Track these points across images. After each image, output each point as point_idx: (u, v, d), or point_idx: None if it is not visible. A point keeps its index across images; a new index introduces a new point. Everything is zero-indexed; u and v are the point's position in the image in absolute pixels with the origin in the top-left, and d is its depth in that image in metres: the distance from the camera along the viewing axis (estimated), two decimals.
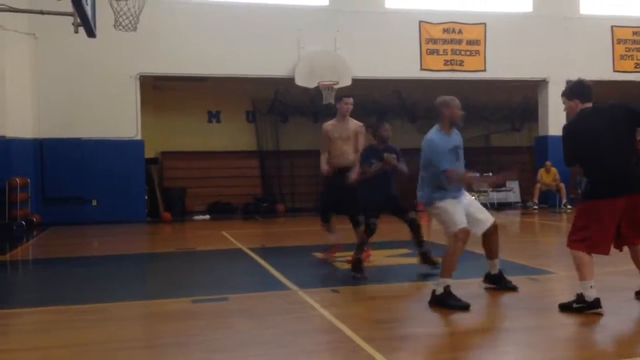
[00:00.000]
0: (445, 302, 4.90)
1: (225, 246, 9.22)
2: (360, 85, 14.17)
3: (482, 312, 5.10)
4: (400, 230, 7.18)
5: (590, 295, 4.52)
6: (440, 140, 5.16)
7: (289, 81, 13.80)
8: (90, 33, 7.99)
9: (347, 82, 13.60)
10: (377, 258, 7.44)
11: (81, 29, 7.62)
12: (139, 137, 13.23)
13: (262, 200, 15.34)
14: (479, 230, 5.36)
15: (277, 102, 15.67)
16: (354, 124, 7.03)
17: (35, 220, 11.88)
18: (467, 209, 5.27)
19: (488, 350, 4.00)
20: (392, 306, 5.44)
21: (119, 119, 12.99)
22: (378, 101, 15.89)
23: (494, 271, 5.59)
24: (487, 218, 5.41)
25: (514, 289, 5.52)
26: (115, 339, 4.37)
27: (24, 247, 9.70)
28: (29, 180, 11.99)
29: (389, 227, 7.44)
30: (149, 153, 14.15)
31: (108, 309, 5.24)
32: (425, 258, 6.57)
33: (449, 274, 5.01)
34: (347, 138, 6.91)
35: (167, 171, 15.49)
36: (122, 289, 6.18)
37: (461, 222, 5.07)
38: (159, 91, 15.03)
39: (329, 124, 7.11)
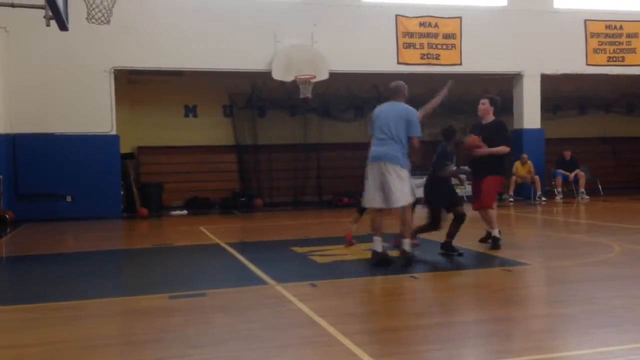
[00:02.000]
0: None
1: (203, 241, 9.17)
2: (337, 79, 14.21)
3: (456, 304, 5.16)
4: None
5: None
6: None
7: (266, 75, 13.75)
8: (63, 26, 7.85)
9: (324, 76, 13.60)
10: (355, 251, 7.47)
11: (53, 22, 7.50)
12: (114, 132, 13.06)
13: (240, 195, 15.29)
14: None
15: (255, 96, 15.62)
16: None
17: (8, 217, 11.68)
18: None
19: (463, 342, 4.04)
20: (369, 299, 5.48)
21: (94, 113, 12.82)
22: (356, 95, 15.96)
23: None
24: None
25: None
26: (92, 336, 4.32)
27: None
28: (1, 177, 11.79)
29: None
30: (125, 148, 13.99)
31: (84, 306, 5.18)
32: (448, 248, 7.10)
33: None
34: None
35: (143, 166, 15.35)
36: (98, 285, 6.12)
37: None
38: (134, 85, 14.87)
39: None
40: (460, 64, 14.74)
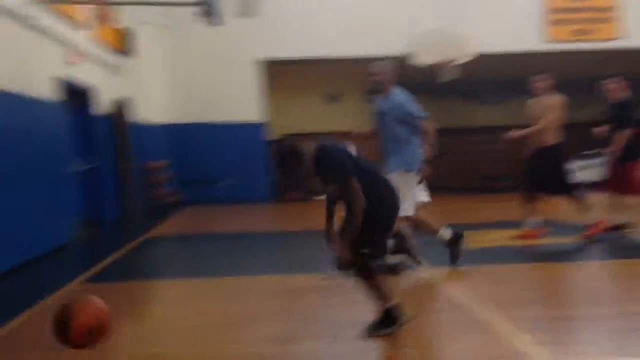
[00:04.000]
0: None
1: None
2: (481, 61, 13.78)
3: (626, 294, 4.90)
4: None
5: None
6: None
7: (405, 59, 13.68)
8: (217, 21, 8.44)
9: (466, 58, 13.25)
10: (507, 238, 7.29)
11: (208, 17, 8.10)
12: (262, 120, 13.77)
13: None
14: None
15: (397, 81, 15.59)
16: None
17: (175, 199, 12.80)
18: None
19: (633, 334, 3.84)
20: (521, 286, 5.35)
21: (245, 103, 13.62)
22: (502, 76, 15.40)
23: None
24: None
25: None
26: (257, 310, 4.67)
27: (166, 224, 10.48)
28: (168, 163, 12.92)
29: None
30: (273, 135, 14.68)
31: (244, 282, 5.58)
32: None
33: None
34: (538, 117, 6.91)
35: None
36: (256, 264, 6.54)
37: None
38: (280, 74, 15.50)
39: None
40: (618, 38, 13.66)
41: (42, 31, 7.64)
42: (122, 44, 11.15)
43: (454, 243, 5.75)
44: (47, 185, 7.47)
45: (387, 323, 3.82)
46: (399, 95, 5.65)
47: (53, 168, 7.72)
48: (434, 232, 5.77)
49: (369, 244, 3.82)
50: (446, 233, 5.75)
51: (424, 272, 5.54)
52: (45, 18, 7.72)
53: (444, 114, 15.83)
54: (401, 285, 5.20)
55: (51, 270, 6.54)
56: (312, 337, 3.90)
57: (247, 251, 7.44)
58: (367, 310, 3.95)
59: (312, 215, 11.61)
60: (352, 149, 4.03)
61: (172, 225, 10.44)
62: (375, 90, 5.72)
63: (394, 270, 5.46)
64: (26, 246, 6.70)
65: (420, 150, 5.68)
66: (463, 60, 13.21)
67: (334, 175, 3.80)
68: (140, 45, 12.16)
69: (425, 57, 13.41)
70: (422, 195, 5.84)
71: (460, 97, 15.63)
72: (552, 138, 6.81)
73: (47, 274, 6.36)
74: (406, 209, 5.41)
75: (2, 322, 4.38)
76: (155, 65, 13.24)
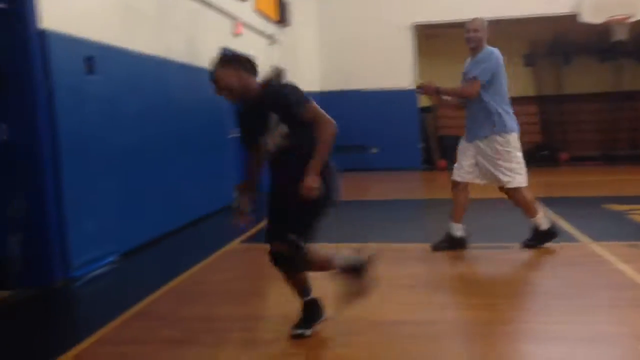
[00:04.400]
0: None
1: (503, 195, 9.01)
2: None
3: None
4: None
5: None
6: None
7: (571, 18, 12.64)
8: None
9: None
10: None
11: None
12: (413, 87, 13.52)
13: (542, 148, 14.56)
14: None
15: (557, 43, 14.52)
16: None
17: None
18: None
19: None
20: None
21: (395, 69, 13.42)
22: None
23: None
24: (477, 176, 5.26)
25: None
26: (400, 276, 4.65)
27: None
28: None
29: None
30: (424, 102, 14.39)
31: (404, 248, 5.57)
32: None
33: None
34: None
35: (441, 119, 15.61)
36: (408, 231, 6.51)
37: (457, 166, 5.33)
38: (432, 39, 15.09)
39: None
40: None
41: (210, 4, 8.06)
42: (279, 13, 11.48)
43: (544, 237, 5.23)
44: (213, 150, 8.01)
45: (309, 319, 3.37)
46: (483, 54, 5.24)
47: (218, 135, 8.24)
48: (532, 213, 5.25)
49: (304, 230, 3.14)
50: (545, 222, 5.25)
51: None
52: None
53: (613, 76, 14.52)
54: (567, 258, 4.89)
55: (216, 229, 7.01)
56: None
57: (404, 217, 7.42)
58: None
59: None
60: None
61: None
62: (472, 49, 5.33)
63: (461, 244, 5.27)
64: (197, 206, 7.29)
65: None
66: (638, 17, 11.97)
67: (288, 101, 3.17)
68: (295, 14, 12.43)
69: (595, 15, 12.33)
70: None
71: (631, 59, 14.19)
72: None
73: (211, 233, 6.82)
74: (523, 178, 5.18)
75: (178, 272, 4.78)
76: (308, 34, 13.49)
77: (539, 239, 5.22)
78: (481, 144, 5.14)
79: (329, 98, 13.66)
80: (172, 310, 3.94)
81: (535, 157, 14.22)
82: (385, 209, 8.31)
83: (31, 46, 4.46)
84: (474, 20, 5.34)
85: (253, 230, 6.77)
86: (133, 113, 5.84)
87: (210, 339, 3.40)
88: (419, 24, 13.37)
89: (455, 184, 5.35)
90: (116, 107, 5.50)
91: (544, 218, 5.23)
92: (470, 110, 5.26)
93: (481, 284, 4.38)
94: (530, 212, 5.22)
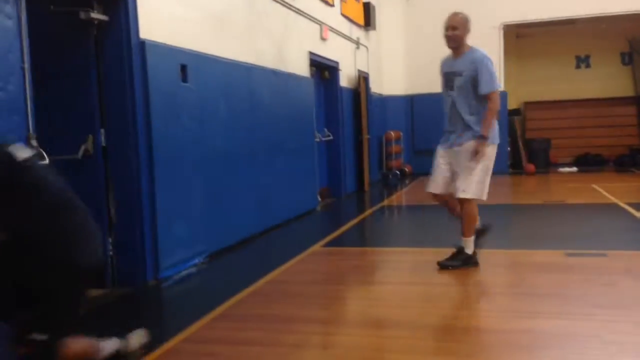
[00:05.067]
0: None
1: (597, 200, 8.61)
2: None
3: None
4: None
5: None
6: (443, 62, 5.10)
7: None
8: None
9: None
10: None
11: None
12: (501, 89, 13.13)
13: (639, 151, 13.77)
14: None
15: None
16: None
17: (407, 170, 12.97)
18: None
19: None
20: None
21: None
22: None
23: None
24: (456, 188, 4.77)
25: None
26: (488, 283, 4.53)
27: (397, 194, 10.71)
28: (401, 134, 13.10)
29: None
30: (512, 104, 13.97)
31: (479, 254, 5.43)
32: None
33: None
34: None
35: (529, 122, 15.10)
36: (489, 237, 6.33)
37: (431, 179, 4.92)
38: (522, 39, 14.63)
39: None
40: None
41: (298, 10, 8.20)
42: (364, 18, 11.51)
43: (466, 260, 4.83)
44: (300, 154, 8.15)
45: None
46: (483, 57, 4.80)
47: (305, 139, 8.37)
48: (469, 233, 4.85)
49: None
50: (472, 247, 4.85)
51: None
52: None
53: None
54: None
55: (300, 233, 7.12)
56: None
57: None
58: None
59: (550, 187, 10.98)
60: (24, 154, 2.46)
61: (403, 195, 10.61)
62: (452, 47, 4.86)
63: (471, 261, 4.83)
64: (283, 209, 7.46)
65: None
66: None
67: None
68: (381, 18, 12.42)
69: None
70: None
71: None
72: None
73: (295, 237, 6.93)
74: (484, 192, 4.77)
75: (263, 273, 4.90)
76: (393, 38, 13.43)
77: (461, 261, 4.82)
78: (458, 150, 4.81)
79: (412, 101, 13.54)
80: (256, 312, 4.04)
81: (633, 161, 13.47)
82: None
83: (131, 55, 4.69)
84: (454, 16, 4.91)
85: (335, 234, 6.82)
86: (223, 119, 6.03)
87: (291, 340, 3.45)
88: (509, 23, 12.99)
89: (436, 196, 4.99)
90: (207, 113, 5.70)
91: (472, 243, 4.84)
92: (456, 115, 4.87)
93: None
94: (469, 231, 4.81)
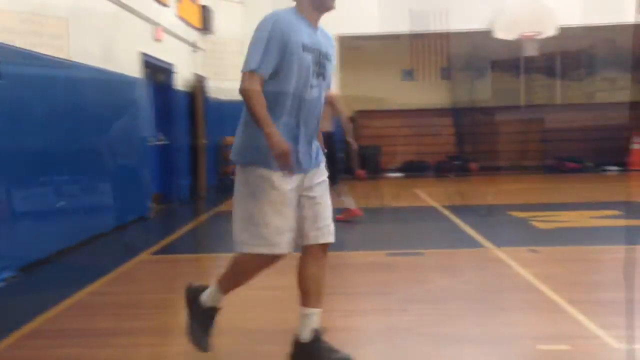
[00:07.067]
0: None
1: (417, 203, 9.28)
2: (566, 35, 13.12)
3: None
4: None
5: None
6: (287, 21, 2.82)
7: (486, 34, 13.21)
8: None
9: (551, 32, 12.64)
10: (580, 219, 6.97)
11: None
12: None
13: (455, 158, 15.10)
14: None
15: (473, 57, 15.15)
16: None
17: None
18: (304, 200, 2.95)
19: None
20: (594, 269, 5.08)
21: None
22: (588, 52, 14.62)
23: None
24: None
25: None
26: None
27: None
28: None
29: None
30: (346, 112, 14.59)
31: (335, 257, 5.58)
32: None
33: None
34: None
35: (362, 129, 15.88)
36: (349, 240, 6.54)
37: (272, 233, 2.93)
38: (354, 51, 15.35)
39: None
40: None
41: (130, 8, 7.86)
42: (202, 21, 11.34)
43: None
44: (129, 159, 7.77)
45: None
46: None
47: (134, 143, 8.01)
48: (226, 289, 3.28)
49: None
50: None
51: None
52: None
53: (522, 91, 15.27)
54: (471, 263, 5.07)
55: (128, 242, 6.81)
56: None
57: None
58: None
59: (378, 192, 11.64)
60: None
61: None
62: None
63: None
64: (107, 217, 7.03)
65: None
66: (546, 34, 12.63)
67: None
68: (220, 22, 12.32)
69: (508, 32, 12.92)
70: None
71: (541, 74, 14.99)
72: None
73: (123, 245, 6.62)
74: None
75: (84, 284, 4.60)
76: (232, 42, 13.38)
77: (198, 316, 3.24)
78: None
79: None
80: (73, 326, 3.78)
81: (450, 167, 14.74)
82: None
83: None
84: None
85: (166, 241, 6.63)
86: (39, 118, 5.59)
87: (112, 355, 3.28)
88: (342, 35, 13.56)
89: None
90: (21, 111, 5.26)
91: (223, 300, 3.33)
92: (313, 118, 2.97)
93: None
94: (229, 286, 3.26)
